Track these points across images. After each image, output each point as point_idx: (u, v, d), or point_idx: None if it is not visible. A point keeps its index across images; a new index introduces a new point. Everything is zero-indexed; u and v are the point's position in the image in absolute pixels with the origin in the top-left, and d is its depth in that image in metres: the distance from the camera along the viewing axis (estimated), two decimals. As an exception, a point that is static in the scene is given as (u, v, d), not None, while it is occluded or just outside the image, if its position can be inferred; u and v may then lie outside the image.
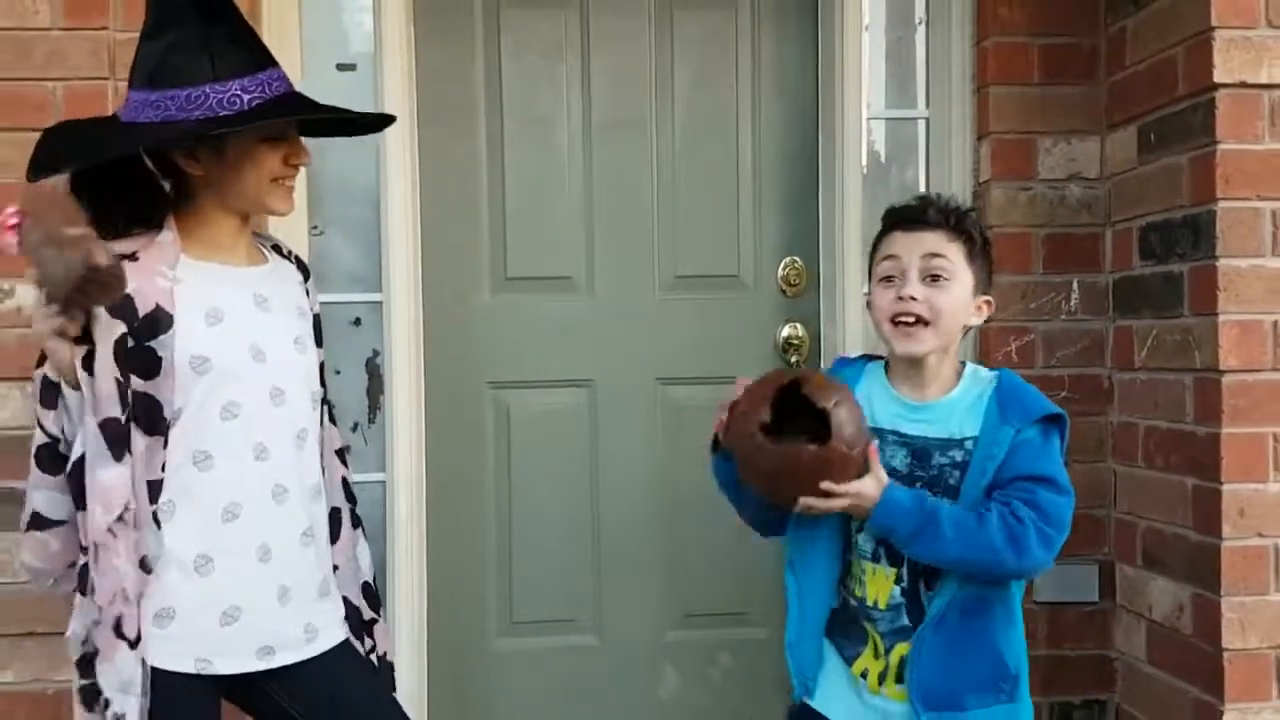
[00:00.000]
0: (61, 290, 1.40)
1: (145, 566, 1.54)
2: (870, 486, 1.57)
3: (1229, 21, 2.08)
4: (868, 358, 1.79)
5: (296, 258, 1.82)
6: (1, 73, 2.10)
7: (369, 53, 2.51)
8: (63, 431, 1.52)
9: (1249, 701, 2.09)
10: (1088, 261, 2.52)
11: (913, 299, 1.64)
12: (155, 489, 1.55)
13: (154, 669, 1.54)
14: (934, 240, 1.66)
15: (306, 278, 1.81)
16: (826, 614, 1.73)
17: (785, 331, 2.68)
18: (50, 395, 1.51)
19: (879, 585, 1.67)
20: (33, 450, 1.54)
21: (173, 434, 1.56)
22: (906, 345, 1.66)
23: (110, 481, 1.49)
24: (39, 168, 1.52)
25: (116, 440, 1.49)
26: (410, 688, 2.47)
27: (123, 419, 1.49)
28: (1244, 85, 2.08)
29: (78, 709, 1.55)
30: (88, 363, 1.48)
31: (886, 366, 1.75)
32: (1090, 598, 2.50)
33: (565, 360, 2.67)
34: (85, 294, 1.41)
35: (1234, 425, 2.08)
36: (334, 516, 1.80)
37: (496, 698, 2.67)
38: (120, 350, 1.50)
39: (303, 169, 1.68)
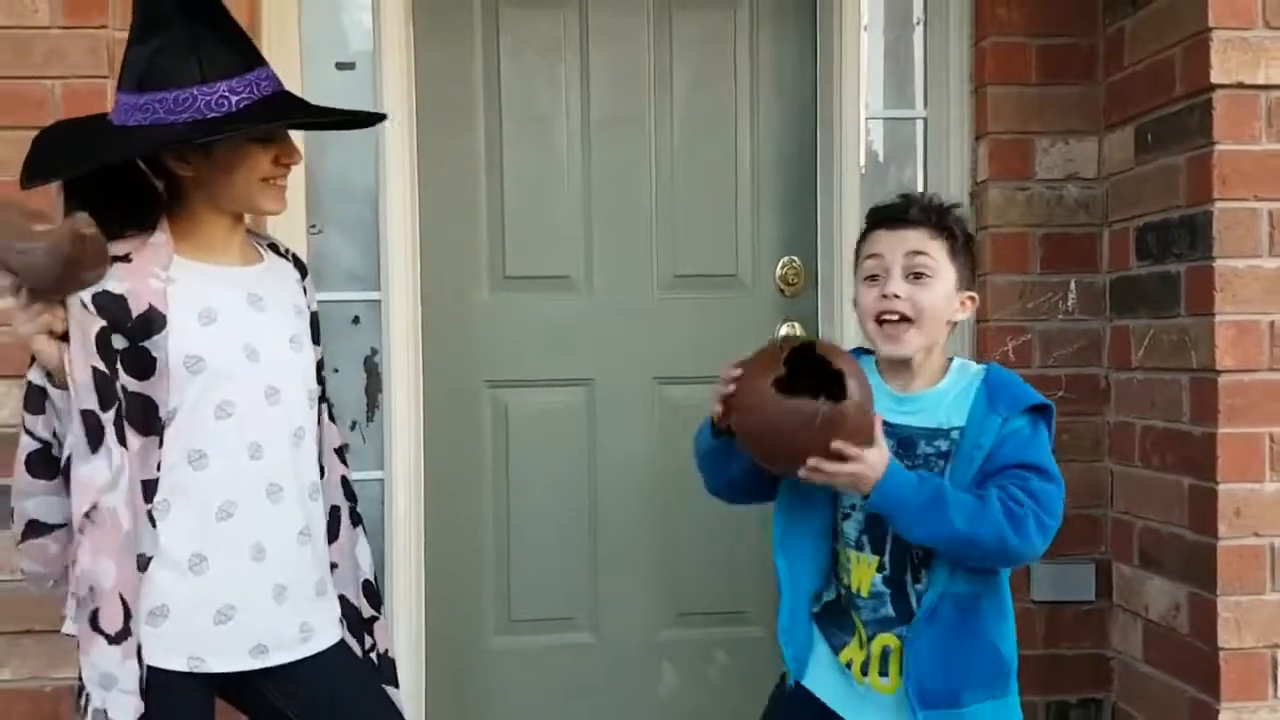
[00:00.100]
0: (50, 278, 1.40)
1: (141, 564, 1.54)
2: (876, 457, 1.56)
3: (1226, 22, 2.08)
4: (859, 351, 1.79)
5: (294, 256, 1.82)
6: (0, 71, 2.10)
7: (368, 51, 2.51)
8: (54, 435, 1.52)
9: (1245, 700, 2.09)
10: (1085, 261, 2.52)
11: (896, 297, 1.65)
12: (150, 488, 1.55)
13: (148, 667, 1.54)
14: (917, 238, 1.67)
15: (304, 276, 1.81)
16: (815, 595, 1.74)
17: (784, 331, 2.69)
18: (37, 400, 1.51)
19: (861, 573, 1.68)
20: (22, 459, 1.53)
21: (167, 434, 1.56)
22: (891, 348, 1.67)
23: (82, 476, 1.48)
24: (34, 174, 1.52)
25: (92, 433, 1.48)
26: (408, 685, 2.46)
27: (100, 412, 1.49)
28: (1241, 86, 2.08)
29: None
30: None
31: (875, 360, 1.76)
32: (1087, 597, 2.51)
33: (563, 359, 2.67)
34: (79, 266, 1.41)
35: (1230, 425, 2.09)
36: (333, 515, 1.80)
37: (494, 695, 2.68)
38: (103, 344, 1.50)
39: (300, 168, 1.68)
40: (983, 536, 1.55)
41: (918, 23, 2.68)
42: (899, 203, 1.73)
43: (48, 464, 1.52)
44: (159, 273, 1.56)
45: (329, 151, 2.51)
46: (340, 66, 2.54)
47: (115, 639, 1.49)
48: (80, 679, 1.52)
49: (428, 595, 2.57)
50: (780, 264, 2.70)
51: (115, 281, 1.52)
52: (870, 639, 1.68)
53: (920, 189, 2.65)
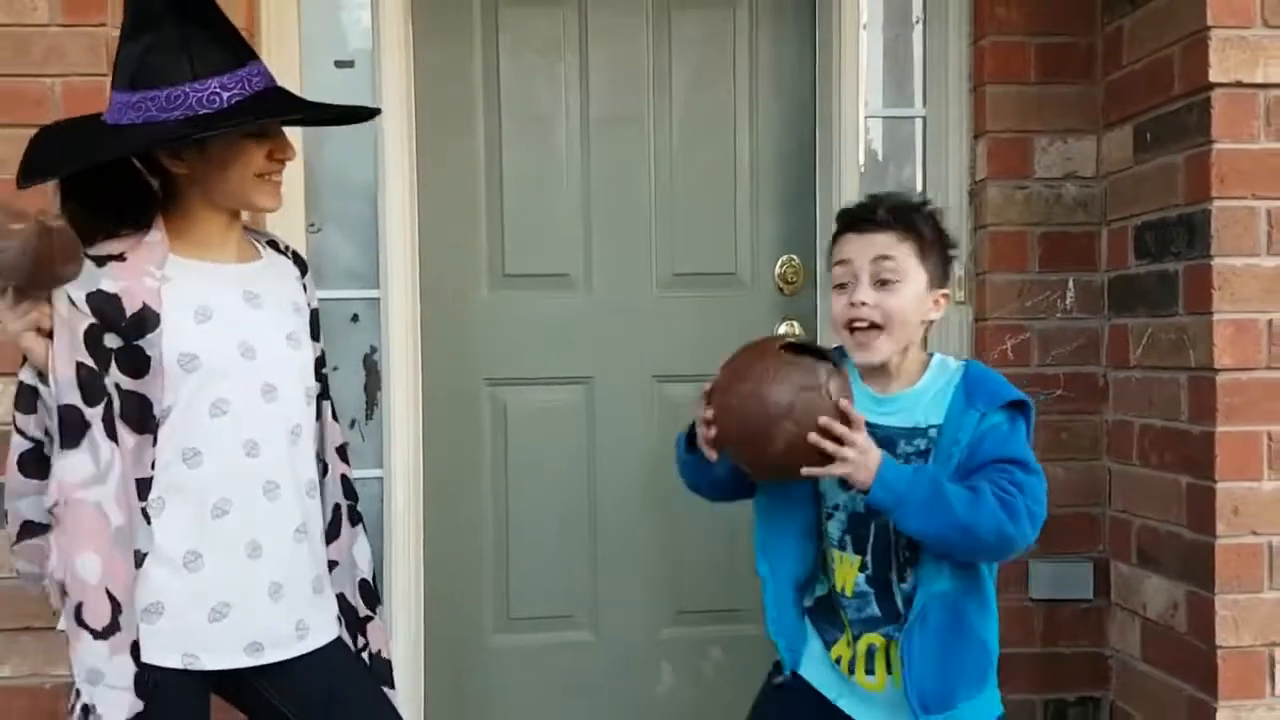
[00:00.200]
0: (24, 274, 1.41)
1: (137, 561, 1.54)
2: (869, 443, 1.56)
3: (1225, 21, 2.08)
4: (840, 350, 1.79)
5: (294, 252, 1.82)
6: (0, 69, 2.10)
7: (367, 49, 2.51)
8: (46, 433, 1.52)
9: (1242, 699, 2.10)
10: (1083, 260, 2.53)
11: (863, 304, 1.64)
12: (144, 486, 1.55)
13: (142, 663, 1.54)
14: (884, 242, 1.65)
15: (304, 272, 1.81)
16: (798, 591, 1.74)
17: (783, 329, 2.69)
18: (29, 400, 1.52)
19: (846, 572, 1.69)
20: (14, 459, 1.53)
21: (162, 432, 1.56)
22: (862, 356, 1.67)
23: (55, 471, 1.49)
24: (28, 174, 1.52)
25: (71, 428, 1.48)
26: (407, 683, 2.47)
27: (84, 407, 1.49)
28: (1239, 85, 2.09)
29: None
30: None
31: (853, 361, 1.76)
32: (1085, 595, 2.51)
33: (563, 358, 2.68)
34: (52, 260, 1.41)
35: (1228, 424, 2.09)
36: (334, 513, 1.80)
37: (493, 693, 2.68)
38: (93, 342, 1.50)
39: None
40: (982, 526, 1.54)
41: (917, 21, 2.68)
42: (865, 205, 1.71)
43: (40, 463, 1.52)
44: (154, 271, 1.56)
45: (328, 149, 2.52)
46: (339, 65, 2.55)
47: (101, 634, 1.49)
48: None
49: (427, 593, 2.57)
50: (779, 262, 2.71)
51: (109, 280, 1.52)
52: (856, 638, 1.69)
53: (919, 187, 2.66)
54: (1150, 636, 2.34)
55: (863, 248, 1.66)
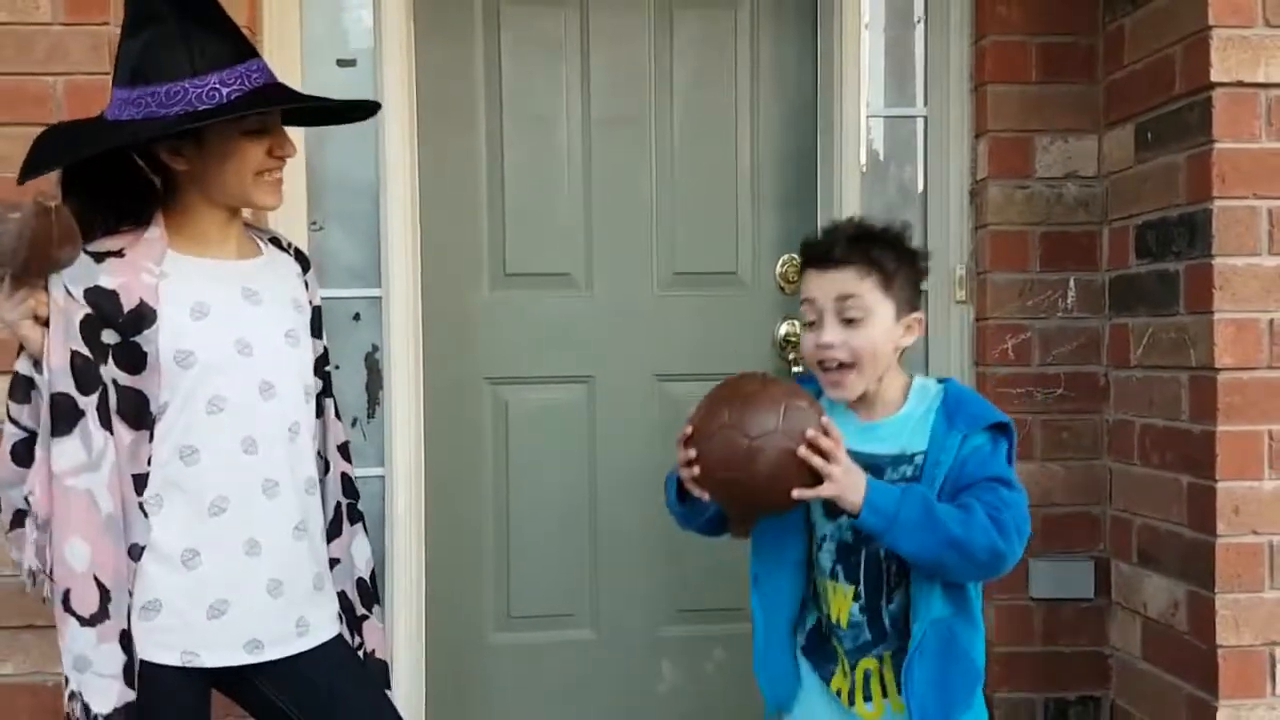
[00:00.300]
0: (21, 258, 1.42)
1: (134, 554, 1.55)
2: (856, 468, 1.54)
3: (1226, 20, 2.08)
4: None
5: (296, 250, 1.83)
6: (2, 67, 2.10)
7: (369, 48, 2.52)
8: (39, 423, 1.53)
9: (1243, 698, 2.10)
10: (1084, 260, 2.53)
11: (830, 345, 1.62)
12: (141, 482, 1.56)
13: (140, 661, 1.54)
14: (844, 280, 1.62)
15: (306, 269, 1.81)
16: (791, 628, 1.73)
17: (783, 329, 2.69)
18: (23, 390, 1.53)
19: (840, 603, 1.68)
20: (6, 449, 1.54)
21: (159, 428, 1.57)
22: (835, 393, 1.66)
23: (39, 458, 1.50)
24: (28, 169, 1.53)
25: (63, 416, 1.49)
26: (408, 681, 2.48)
27: (78, 395, 1.50)
28: (1241, 84, 2.09)
29: None
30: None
31: None
32: (1085, 594, 2.51)
33: (564, 356, 2.68)
34: (49, 243, 1.42)
35: (1229, 423, 2.09)
36: (335, 511, 1.80)
37: (494, 691, 2.68)
38: (90, 333, 1.51)
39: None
40: (975, 543, 1.52)
41: (918, 21, 2.68)
42: (822, 242, 1.68)
43: (32, 454, 1.53)
44: (151, 268, 1.57)
45: (330, 148, 2.52)
46: (341, 63, 2.55)
47: (89, 621, 1.50)
48: None
49: (428, 591, 2.57)
50: (780, 262, 2.71)
51: (107, 277, 1.53)
52: (853, 667, 1.68)
53: (920, 187, 2.66)
54: (1151, 636, 2.34)
55: (825, 287, 1.64)
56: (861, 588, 1.66)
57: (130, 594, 1.55)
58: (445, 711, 2.62)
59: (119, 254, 1.55)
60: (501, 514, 2.67)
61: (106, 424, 1.52)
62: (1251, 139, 2.09)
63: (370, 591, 1.84)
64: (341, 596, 1.79)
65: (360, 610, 1.82)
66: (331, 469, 1.81)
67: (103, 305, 1.52)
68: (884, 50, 2.71)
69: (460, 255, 2.64)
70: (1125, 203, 2.42)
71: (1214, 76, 2.08)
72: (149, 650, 1.55)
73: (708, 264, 2.71)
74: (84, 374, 1.50)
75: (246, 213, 1.72)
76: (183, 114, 1.52)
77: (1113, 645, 2.51)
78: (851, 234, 1.67)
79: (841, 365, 1.63)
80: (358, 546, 1.84)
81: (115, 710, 1.51)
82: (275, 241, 1.79)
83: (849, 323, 1.62)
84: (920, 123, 2.68)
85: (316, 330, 1.80)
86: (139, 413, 1.55)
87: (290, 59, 2.43)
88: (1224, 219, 2.09)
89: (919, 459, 1.63)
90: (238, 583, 1.60)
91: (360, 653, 1.80)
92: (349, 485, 1.84)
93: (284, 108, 1.64)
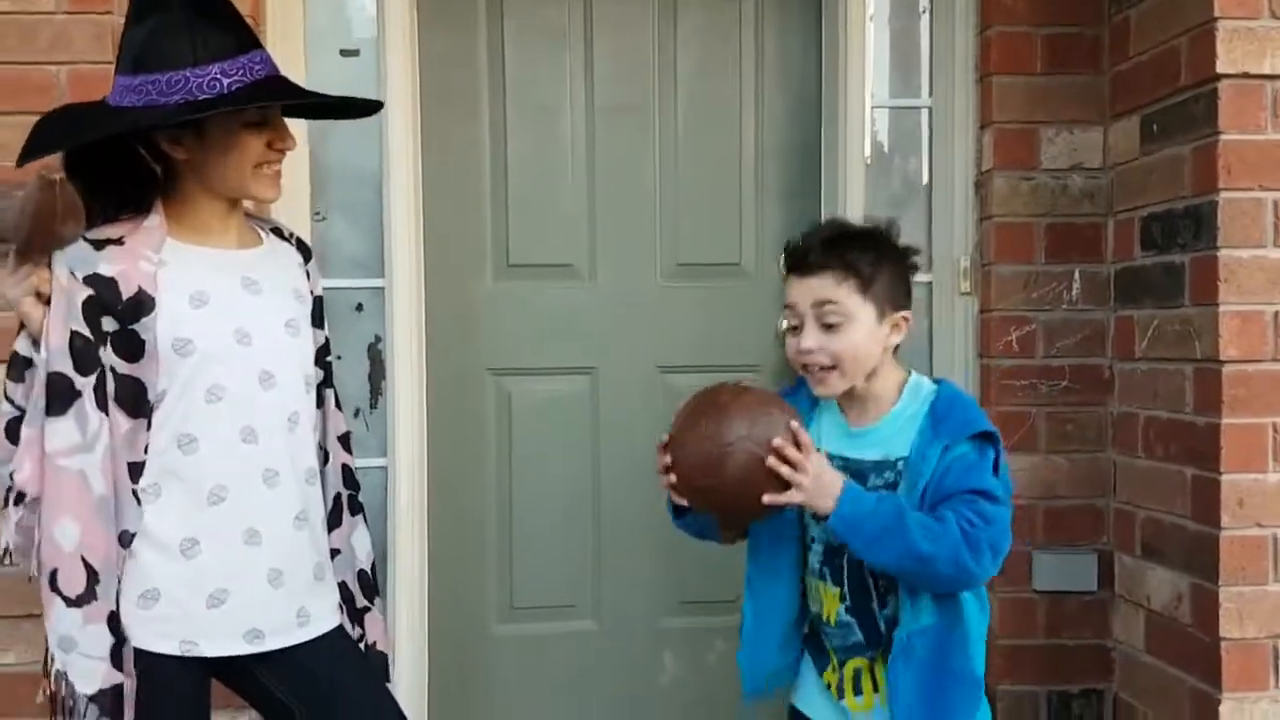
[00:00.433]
0: (25, 231, 1.42)
1: (124, 540, 1.55)
2: (830, 469, 1.56)
3: (1232, 12, 2.07)
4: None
5: (298, 240, 1.82)
6: (5, 56, 2.10)
7: (372, 38, 2.51)
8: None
9: (1246, 691, 2.09)
10: (1089, 251, 2.52)
11: (810, 351, 1.63)
12: (136, 470, 1.56)
13: (139, 650, 1.55)
14: (822, 286, 1.62)
15: (307, 259, 1.81)
16: (780, 633, 1.75)
17: (784, 324, 2.68)
18: (20, 369, 1.53)
19: (829, 603, 1.69)
20: (2, 426, 1.55)
21: (156, 416, 1.57)
22: (822, 390, 1.66)
23: (27, 436, 1.50)
24: (27, 152, 1.53)
25: (58, 396, 1.49)
26: (411, 673, 2.48)
27: (75, 376, 1.50)
28: (1246, 76, 2.08)
29: None
30: None
31: None
32: (1089, 587, 2.51)
33: (567, 347, 2.67)
34: (53, 217, 1.43)
35: (1234, 415, 2.09)
36: (335, 502, 1.80)
37: (496, 682, 2.68)
38: (91, 316, 1.51)
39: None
40: (940, 557, 1.52)
41: (923, 12, 2.67)
42: (799, 248, 1.68)
43: None
44: (150, 255, 1.57)
45: (333, 138, 2.51)
46: (345, 53, 2.54)
47: (75, 602, 1.50)
48: None
49: (430, 582, 2.57)
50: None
51: (106, 264, 1.53)
52: (842, 664, 1.70)
53: (925, 178, 2.66)
54: (1154, 628, 2.34)
55: (804, 292, 1.64)
56: (846, 590, 1.67)
57: (119, 578, 1.55)
58: (448, 702, 2.63)
59: (119, 241, 1.55)
60: (504, 505, 2.67)
61: (103, 406, 1.52)
62: (1257, 130, 2.08)
63: (371, 583, 1.84)
64: (342, 588, 1.79)
65: (361, 602, 1.82)
66: (331, 459, 1.81)
67: (102, 292, 1.52)
68: (889, 41, 2.70)
69: (463, 245, 2.64)
70: (1130, 194, 2.41)
71: (1219, 68, 2.07)
72: (148, 640, 1.55)
73: (711, 255, 2.70)
74: (83, 355, 1.50)
75: (248, 203, 1.72)
76: (182, 103, 1.52)
77: (1116, 638, 2.50)
78: (827, 238, 1.66)
79: (824, 368, 1.64)
80: (358, 538, 1.84)
81: (101, 691, 1.51)
82: (277, 231, 1.79)
83: (828, 328, 1.62)
84: (925, 114, 2.67)
85: (318, 320, 1.79)
86: (137, 400, 1.55)
87: (293, 49, 2.43)
88: (1229, 211, 2.09)
89: (900, 465, 1.62)
90: (237, 572, 1.60)
91: (361, 645, 1.80)
92: (349, 476, 1.84)
93: (280, 103, 1.64)
